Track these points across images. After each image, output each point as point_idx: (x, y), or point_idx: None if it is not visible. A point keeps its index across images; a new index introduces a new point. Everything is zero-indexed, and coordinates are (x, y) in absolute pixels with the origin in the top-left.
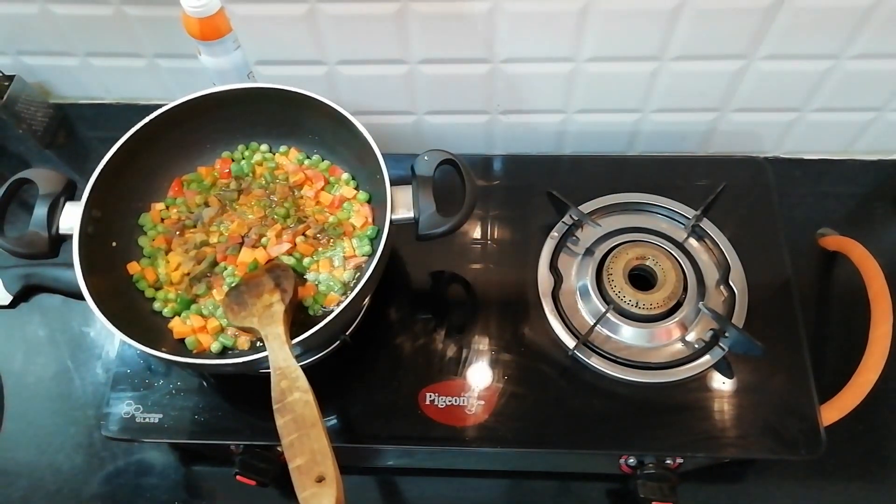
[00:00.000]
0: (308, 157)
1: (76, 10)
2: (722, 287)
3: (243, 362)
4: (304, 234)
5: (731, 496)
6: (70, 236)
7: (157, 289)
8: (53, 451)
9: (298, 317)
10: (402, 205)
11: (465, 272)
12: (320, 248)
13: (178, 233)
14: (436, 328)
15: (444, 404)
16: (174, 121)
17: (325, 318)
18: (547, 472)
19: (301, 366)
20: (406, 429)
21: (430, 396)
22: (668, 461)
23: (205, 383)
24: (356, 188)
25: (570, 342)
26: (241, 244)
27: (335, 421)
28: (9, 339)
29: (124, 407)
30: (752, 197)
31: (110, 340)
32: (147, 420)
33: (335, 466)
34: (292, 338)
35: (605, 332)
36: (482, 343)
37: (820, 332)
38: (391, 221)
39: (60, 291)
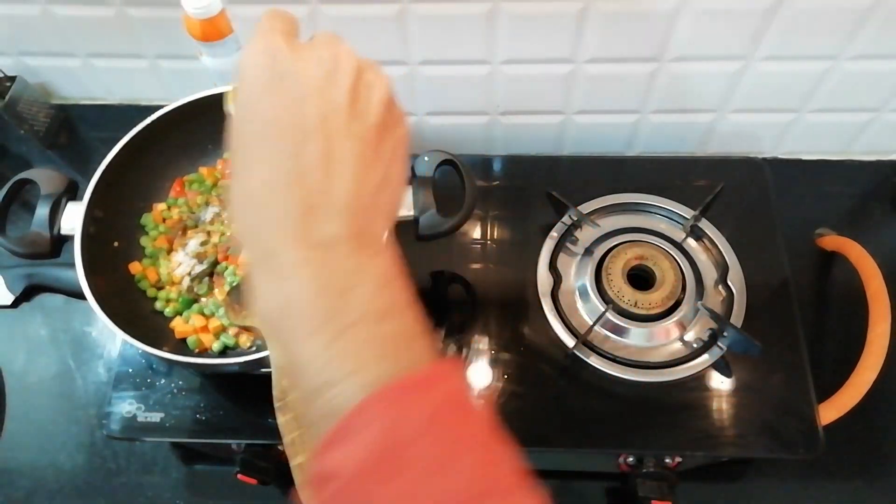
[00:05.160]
0: None
1: (78, 11)
2: (720, 287)
3: (245, 361)
4: None
5: (730, 495)
6: (72, 236)
7: (159, 288)
8: (55, 451)
9: None
10: (402, 205)
11: (465, 272)
12: None
13: (179, 233)
14: (436, 328)
15: None
16: (176, 121)
17: None
18: (546, 470)
19: None
20: None
21: None
22: (667, 460)
23: (206, 382)
24: None
25: (569, 341)
26: None
27: None
28: (11, 339)
29: (126, 406)
30: (750, 197)
31: (112, 340)
32: (148, 419)
33: None
34: None
35: (604, 331)
36: (482, 342)
37: (818, 331)
38: None
39: (62, 291)
